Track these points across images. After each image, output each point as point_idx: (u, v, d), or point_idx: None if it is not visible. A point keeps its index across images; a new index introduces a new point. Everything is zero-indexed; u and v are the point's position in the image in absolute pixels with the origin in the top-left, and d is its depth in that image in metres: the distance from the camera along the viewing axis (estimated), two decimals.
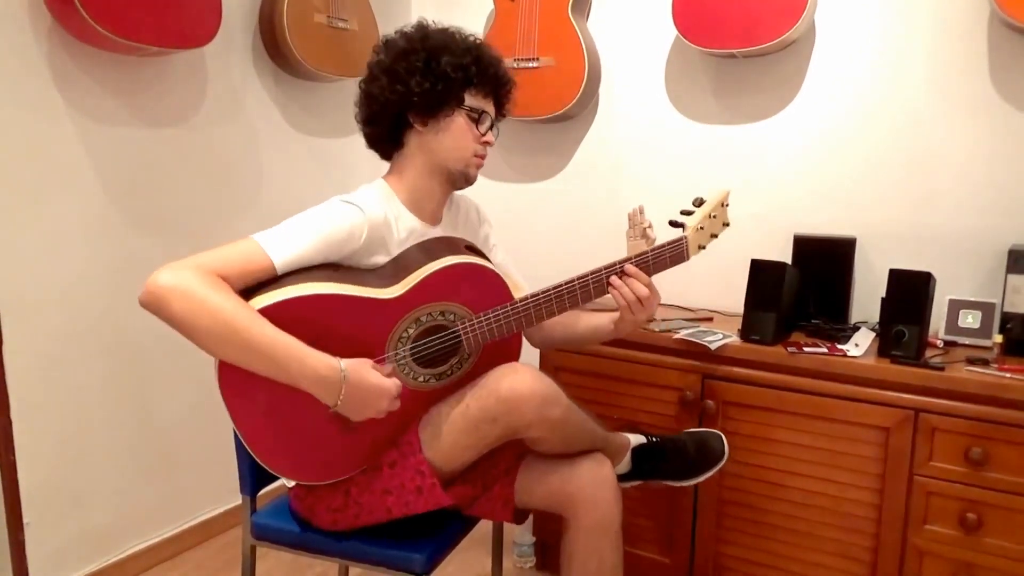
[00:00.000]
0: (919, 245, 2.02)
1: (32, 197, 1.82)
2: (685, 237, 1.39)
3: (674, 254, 1.40)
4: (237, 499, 2.34)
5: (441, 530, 1.44)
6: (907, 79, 2.01)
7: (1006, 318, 1.74)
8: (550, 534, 2.08)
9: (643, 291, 1.38)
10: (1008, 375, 1.56)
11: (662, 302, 2.27)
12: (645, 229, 2.26)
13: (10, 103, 1.76)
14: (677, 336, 1.86)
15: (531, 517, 1.65)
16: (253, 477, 1.49)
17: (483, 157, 1.48)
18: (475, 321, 1.38)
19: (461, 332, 1.38)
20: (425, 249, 1.40)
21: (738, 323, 1.89)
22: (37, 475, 1.88)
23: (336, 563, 1.71)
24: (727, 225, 1.47)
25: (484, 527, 1.70)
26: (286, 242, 1.27)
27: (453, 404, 1.36)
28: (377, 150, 1.51)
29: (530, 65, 2.33)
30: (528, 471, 1.42)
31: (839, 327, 1.90)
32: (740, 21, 2.01)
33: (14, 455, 1.41)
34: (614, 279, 1.39)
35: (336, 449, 1.34)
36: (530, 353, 1.78)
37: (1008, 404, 1.54)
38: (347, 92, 2.65)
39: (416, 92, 1.38)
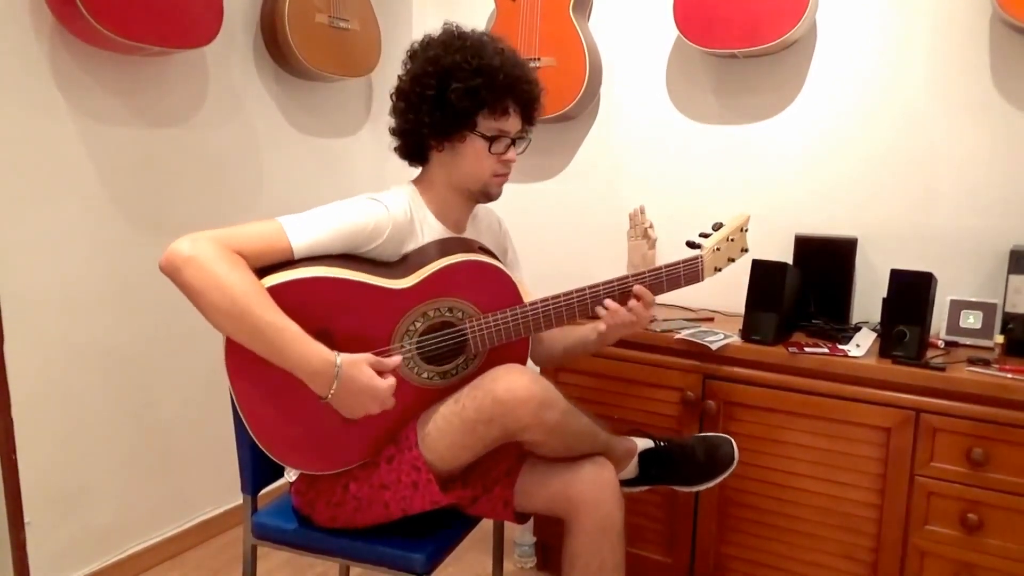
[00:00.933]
0: (920, 245, 2.02)
1: (33, 197, 1.82)
2: (701, 257, 1.42)
3: (688, 272, 1.43)
4: (237, 499, 2.35)
5: (441, 530, 1.43)
6: (908, 79, 2.01)
7: (1007, 318, 1.74)
8: (551, 534, 2.08)
9: (641, 312, 1.42)
10: (1009, 376, 1.56)
11: (663, 302, 2.28)
12: (646, 229, 2.27)
13: (11, 103, 1.76)
14: (678, 336, 1.86)
15: (532, 517, 1.65)
16: (254, 476, 1.49)
17: (504, 175, 1.47)
18: (483, 321, 1.38)
19: (468, 331, 1.38)
20: (440, 246, 1.41)
21: (739, 323, 1.89)
22: (38, 475, 1.88)
23: (337, 563, 1.71)
24: (745, 251, 1.50)
25: (484, 527, 1.70)
26: (307, 228, 1.29)
27: (450, 403, 1.35)
28: (406, 161, 1.53)
29: (531, 65, 2.32)
30: (528, 474, 1.41)
31: (840, 327, 1.90)
32: (741, 21, 2.01)
33: (15, 454, 1.41)
34: (608, 301, 1.41)
35: (336, 439, 1.34)
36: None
37: (1009, 405, 1.54)
38: (348, 92, 2.65)
39: (426, 122, 1.40)
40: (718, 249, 1.44)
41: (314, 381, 1.22)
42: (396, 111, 1.46)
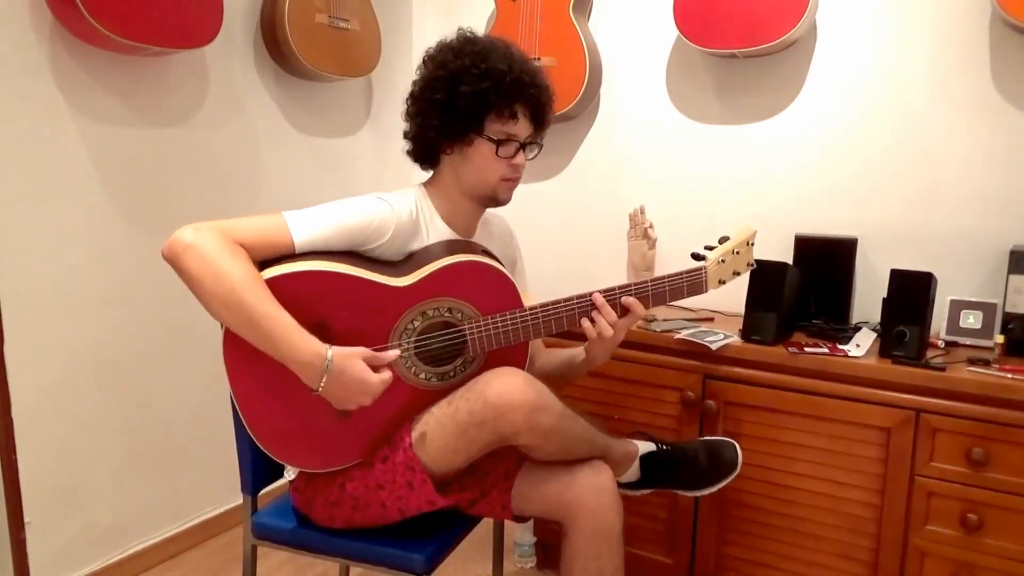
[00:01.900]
0: (920, 245, 2.02)
1: (33, 196, 1.82)
2: (705, 268, 1.44)
3: (691, 283, 1.44)
4: (237, 499, 2.35)
5: (441, 530, 1.43)
6: (908, 79, 2.01)
7: (1007, 318, 1.74)
8: (551, 534, 2.08)
9: (606, 327, 1.41)
10: (1009, 375, 1.56)
11: (664, 302, 2.27)
12: (646, 229, 2.27)
13: (11, 102, 1.76)
14: (678, 336, 1.86)
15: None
16: (254, 476, 1.50)
17: (513, 180, 1.47)
18: (482, 323, 1.38)
19: (467, 332, 1.38)
20: (443, 246, 1.41)
21: (739, 323, 1.89)
22: (38, 474, 1.88)
23: (337, 563, 1.71)
24: (751, 265, 1.51)
25: (484, 527, 1.70)
26: (310, 223, 1.30)
27: (444, 405, 1.35)
28: (418, 164, 1.53)
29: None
30: (526, 478, 1.40)
31: (840, 327, 1.90)
32: (741, 21, 2.01)
33: (15, 454, 1.41)
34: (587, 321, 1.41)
35: (331, 436, 1.34)
36: None
37: (1009, 405, 1.53)
38: (348, 92, 2.65)
39: (435, 125, 1.41)
40: (723, 261, 1.45)
41: (305, 373, 1.22)
42: (408, 115, 1.48)
